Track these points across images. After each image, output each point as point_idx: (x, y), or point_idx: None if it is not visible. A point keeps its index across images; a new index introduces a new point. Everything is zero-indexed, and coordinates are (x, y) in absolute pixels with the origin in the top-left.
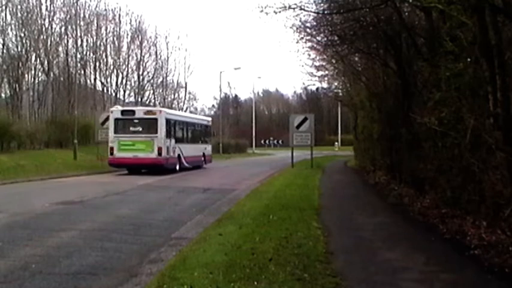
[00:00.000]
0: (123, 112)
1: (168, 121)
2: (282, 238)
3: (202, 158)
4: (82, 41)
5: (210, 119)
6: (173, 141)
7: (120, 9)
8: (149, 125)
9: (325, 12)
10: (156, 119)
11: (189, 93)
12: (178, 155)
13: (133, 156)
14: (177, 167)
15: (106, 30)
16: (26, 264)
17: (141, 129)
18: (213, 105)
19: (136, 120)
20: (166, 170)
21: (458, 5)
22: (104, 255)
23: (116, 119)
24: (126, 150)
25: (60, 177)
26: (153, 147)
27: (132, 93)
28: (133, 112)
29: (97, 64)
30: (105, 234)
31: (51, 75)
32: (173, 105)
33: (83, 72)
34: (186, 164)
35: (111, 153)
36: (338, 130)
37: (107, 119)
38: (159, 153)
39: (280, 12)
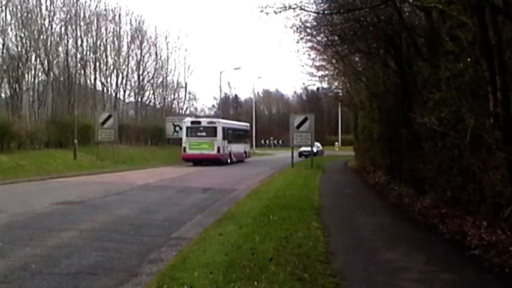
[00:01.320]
0: (192, 122)
1: (223, 128)
2: (282, 238)
3: (244, 154)
4: (82, 41)
5: (248, 124)
6: (226, 142)
7: (120, 9)
8: (211, 131)
9: (325, 12)
10: (215, 127)
11: (189, 93)
12: (229, 152)
13: (199, 153)
14: (229, 161)
15: (106, 30)
16: (26, 264)
17: (205, 134)
18: (213, 105)
19: (201, 128)
20: (222, 163)
21: (458, 5)
22: (104, 255)
23: (187, 127)
24: (195, 149)
25: (60, 177)
26: (213, 147)
27: (132, 93)
28: (199, 122)
29: (97, 64)
30: (105, 234)
31: (51, 75)
32: (173, 105)
33: (83, 72)
34: (234, 158)
35: (184, 151)
36: (338, 130)
37: (107, 119)
38: (218, 151)
39: (280, 12)
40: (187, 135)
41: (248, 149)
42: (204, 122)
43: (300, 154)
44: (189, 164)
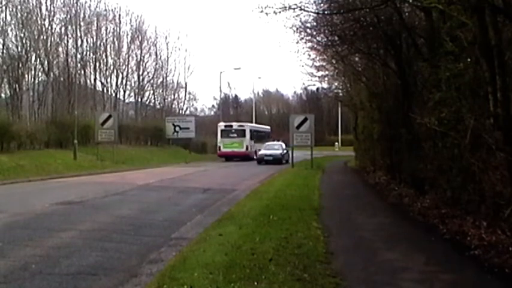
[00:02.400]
0: (225, 126)
1: (250, 130)
2: (282, 238)
3: None
4: (82, 41)
5: (269, 127)
6: (253, 141)
7: (120, 9)
8: (240, 132)
9: (325, 12)
10: (244, 129)
11: (189, 93)
12: (255, 150)
13: (231, 151)
14: (255, 157)
15: (106, 30)
16: (26, 265)
17: (236, 135)
18: (213, 105)
19: (233, 130)
20: (249, 159)
21: (458, 5)
22: (103, 255)
23: (221, 130)
24: (227, 147)
25: (60, 177)
26: (243, 145)
27: (132, 94)
28: (231, 126)
29: (97, 64)
30: (105, 234)
31: (51, 75)
32: (173, 106)
33: (83, 72)
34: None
35: (219, 149)
36: (338, 130)
37: (107, 119)
38: (247, 149)
39: (280, 12)
40: (221, 137)
41: None
42: (235, 125)
43: (260, 160)
44: (188, 164)
